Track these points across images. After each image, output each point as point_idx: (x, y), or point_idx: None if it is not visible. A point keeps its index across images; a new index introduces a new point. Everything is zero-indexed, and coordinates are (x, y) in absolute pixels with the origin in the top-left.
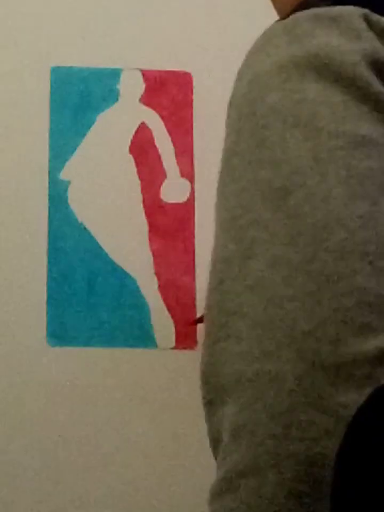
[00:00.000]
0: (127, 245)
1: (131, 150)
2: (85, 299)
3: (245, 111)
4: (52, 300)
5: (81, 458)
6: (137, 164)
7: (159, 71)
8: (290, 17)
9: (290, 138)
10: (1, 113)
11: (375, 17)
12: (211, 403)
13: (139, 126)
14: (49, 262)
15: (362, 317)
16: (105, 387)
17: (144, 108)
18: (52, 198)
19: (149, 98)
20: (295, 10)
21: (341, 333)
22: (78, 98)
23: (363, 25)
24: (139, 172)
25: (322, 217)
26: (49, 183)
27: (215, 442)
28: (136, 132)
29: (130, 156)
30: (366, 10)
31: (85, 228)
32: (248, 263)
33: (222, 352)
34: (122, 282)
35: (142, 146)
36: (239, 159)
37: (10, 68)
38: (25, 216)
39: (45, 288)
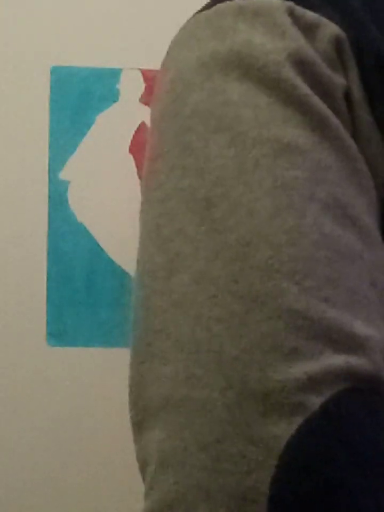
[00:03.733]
0: (127, 245)
1: (131, 150)
2: (85, 299)
3: (167, 111)
4: (51, 300)
5: (81, 458)
6: (137, 164)
7: (159, 71)
8: (214, 7)
9: (213, 144)
10: (1, 113)
11: (300, 11)
12: (139, 425)
13: (139, 126)
14: (49, 262)
15: (291, 341)
16: (105, 387)
17: (144, 108)
18: (51, 198)
19: (149, 98)
20: (216, 0)
21: (269, 358)
22: (78, 98)
23: (287, 20)
24: (139, 172)
25: (247, 232)
26: (49, 183)
27: (143, 467)
28: (136, 132)
29: (130, 156)
30: (291, 3)
31: (85, 228)
32: (174, 277)
33: (148, 373)
34: (122, 282)
35: (142, 146)
36: (162, 163)
37: (10, 68)
38: (25, 216)
39: (44, 288)
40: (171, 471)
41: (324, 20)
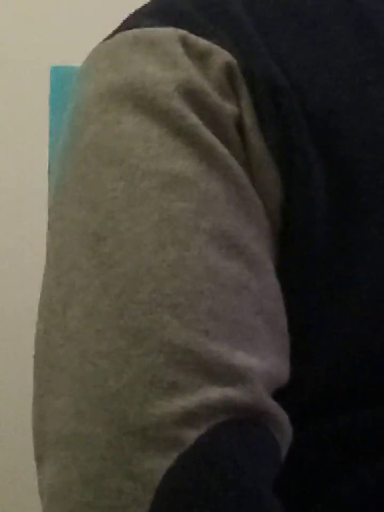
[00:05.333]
0: None
1: None
2: None
3: (68, 142)
4: None
5: None
6: None
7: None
8: (114, 38)
9: (106, 177)
10: (1, 113)
11: (193, 39)
12: (39, 459)
13: None
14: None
15: (170, 375)
16: None
17: None
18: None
19: None
20: (119, 28)
21: (148, 393)
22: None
23: (180, 50)
24: None
25: (133, 266)
26: (49, 183)
27: (41, 500)
28: None
29: None
30: (184, 32)
31: None
32: (68, 312)
33: (46, 407)
34: None
35: None
36: (63, 194)
37: (10, 68)
38: (25, 216)
39: None
40: (57, 507)
41: (216, 48)
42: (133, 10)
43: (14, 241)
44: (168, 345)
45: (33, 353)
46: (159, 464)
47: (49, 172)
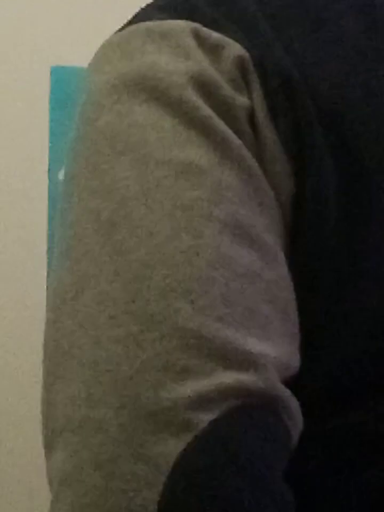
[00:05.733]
0: None
1: None
2: None
3: (80, 133)
4: None
5: None
6: None
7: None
8: (125, 30)
9: (119, 166)
10: (1, 113)
11: (205, 32)
12: (48, 446)
13: None
14: (49, 262)
15: (183, 360)
16: None
17: None
18: (51, 198)
19: None
20: (130, 21)
21: (161, 378)
22: (78, 98)
23: (192, 42)
24: None
25: (146, 253)
26: (49, 183)
27: (50, 486)
28: None
29: None
30: (197, 25)
31: None
32: (80, 298)
33: (56, 394)
34: None
35: None
36: (75, 184)
37: (10, 68)
38: (25, 216)
39: (44, 288)
40: (68, 490)
41: (228, 41)
42: (133, 10)
43: (14, 241)
44: (181, 330)
45: (31, 348)
46: (172, 447)
47: (49, 171)
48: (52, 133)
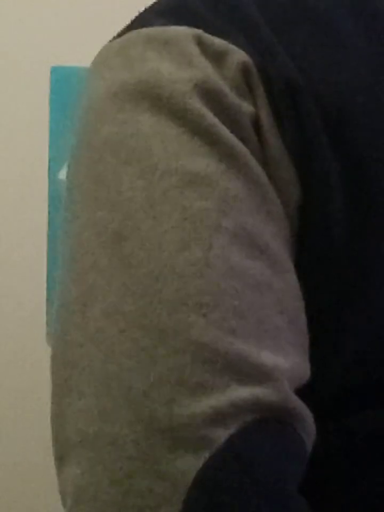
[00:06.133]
0: None
1: None
2: None
3: (82, 141)
4: (51, 300)
5: None
6: None
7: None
8: (125, 36)
9: (124, 176)
10: (1, 113)
11: (208, 38)
12: (60, 460)
13: None
14: (49, 261)
15: (197, 375)
16: None
17: None
18: (51, 198)
19: None
20: (130, 26)
21: (175, 393)
22: (78, 102)
23: (195, 49)
24: None
25: (156, 266)
26: (49, 183)
27: (63, 501)
28: None
29: None
30: (199, 32)
31: None
32: (88, 312)
33: (66, 407)
34: None
35: None
36: (78, 193)
37: (10, 68)
38: (25, 216)
39: (44, 288)
40: (84, 507)
41: (232, 47)
42: (134, 10)
43: (14, 241)
44: (194, 345)
45: (31, 348)
46: (189, 464)
47: (49, 171)
48: (52, 133)
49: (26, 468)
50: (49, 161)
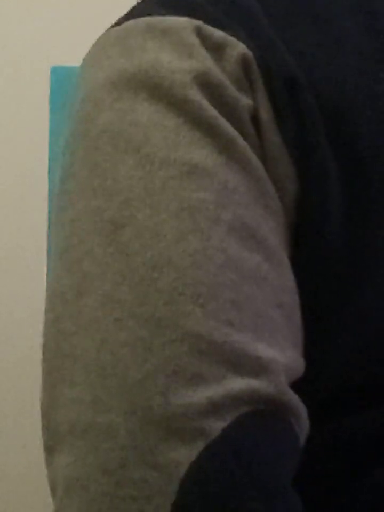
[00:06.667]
0: None
1: None
2: None
3: (78, 130)
4: None
5: None
6: None
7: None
8: (124, 24)
9: (122, 165)
10: (1, 113)
11: (208, 30)
12: (50, 450)
13: None
14: (49, 262)
15: (193, 365)
16: None
17: None
18: (51, 198)
19: None
20: (128, 15)
21: (171, 383)
22: (73, 92)
23: (195, 40)
24: None
25: (153, 255)
26: (49, 183)
27: (52, 491)
28: None
29: None
30: (199, 23)
31: None
32: (82, 300)
33: (59, 396)
34: None
35: None
36: (73, 182)
37: (10, 68)
38: (25, 216)
39: (44, 288)
40: (75, 497)
41: (232, 40)
42: None
43: (14, 240)
44: (191, 335)
45: (31, 347)
46: (183, 455)
47: (49, 171)
48: (52, 133)
49: (25, 464)
50: (49, 161)
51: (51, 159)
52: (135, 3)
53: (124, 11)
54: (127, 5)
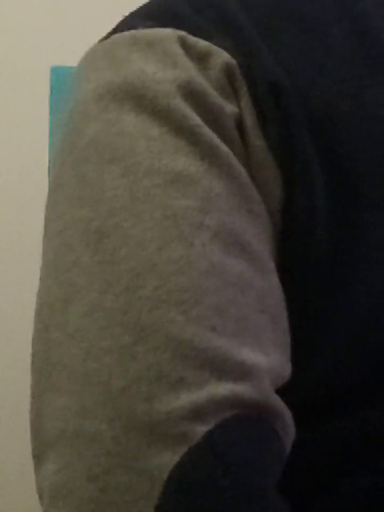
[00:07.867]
0: None
1: None
2: None
3: (67, 141)
4: None
5: None
6: None
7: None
8: (111, 38)
9: (108, 175)
10: (1, 113)
11: (192, 40)
12: (38, 457)
13: None
14: None
15: (177, 371)
16: None
17: None
18: None
19: None
20: (116, 28)
21: (155, 389)
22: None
23: (179, 50)
24: None
25: (137, 263)
26: (49, 183)
27: (40, 498)
28: None
29: None
30: (183, 33)
31: None
32: (69, 309)
33: (47, 404)
34: None
35: None
36: (62, 193)
37: (10, 68)
38: (25, 216)
39: None
40: (61, 503)
41: (216, 49)
42: (133, 10)
43: (14, 240)
44: (174, 341)
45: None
46: (167, 460)
47: (49, 171)
48: (52, 133)
49: (25, 464)
50: (49, 161)
51: (51, 159)
52: (134, 4)
53: (123, 11)
54: (127, 5)
